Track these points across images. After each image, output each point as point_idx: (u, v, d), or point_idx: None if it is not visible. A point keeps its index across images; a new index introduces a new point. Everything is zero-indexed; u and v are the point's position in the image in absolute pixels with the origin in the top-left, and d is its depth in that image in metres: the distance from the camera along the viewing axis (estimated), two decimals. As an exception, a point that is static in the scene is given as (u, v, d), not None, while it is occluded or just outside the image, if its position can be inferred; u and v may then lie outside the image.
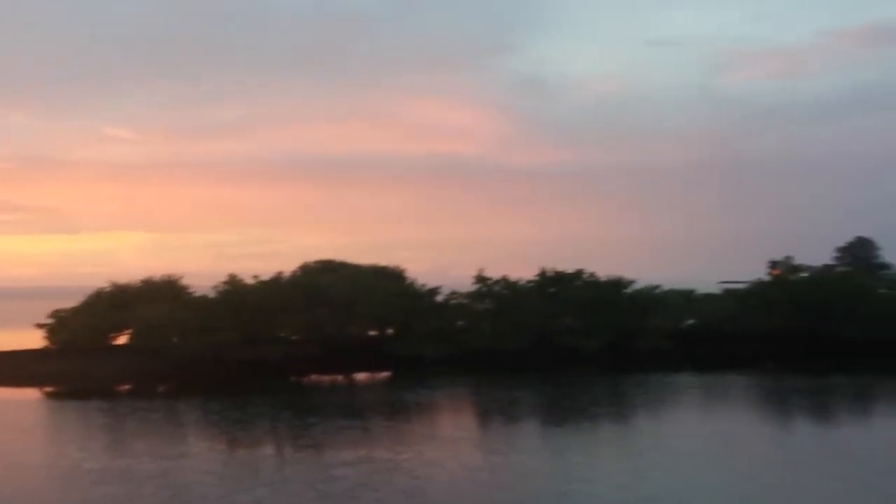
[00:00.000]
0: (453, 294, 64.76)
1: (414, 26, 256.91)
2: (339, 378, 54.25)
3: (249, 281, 59.72)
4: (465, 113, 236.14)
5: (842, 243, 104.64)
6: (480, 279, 65.05)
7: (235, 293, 58.34)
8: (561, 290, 65.97)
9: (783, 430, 37.91)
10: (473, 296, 64.79)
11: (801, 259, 74.91)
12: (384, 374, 55.72)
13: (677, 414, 41.08)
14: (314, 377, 53.74)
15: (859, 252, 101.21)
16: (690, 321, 66.90)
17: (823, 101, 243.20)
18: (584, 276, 66.70)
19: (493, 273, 65.28)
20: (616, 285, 66.18)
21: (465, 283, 65.18)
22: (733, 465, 29.56)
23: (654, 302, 65.75)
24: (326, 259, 66.60)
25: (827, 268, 79.54)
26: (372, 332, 61.19)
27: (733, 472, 28.62)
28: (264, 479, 27.06)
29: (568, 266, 67.19)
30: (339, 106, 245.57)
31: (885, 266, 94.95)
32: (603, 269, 67.38)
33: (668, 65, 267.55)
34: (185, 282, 60.72)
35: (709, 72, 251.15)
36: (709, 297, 68.70)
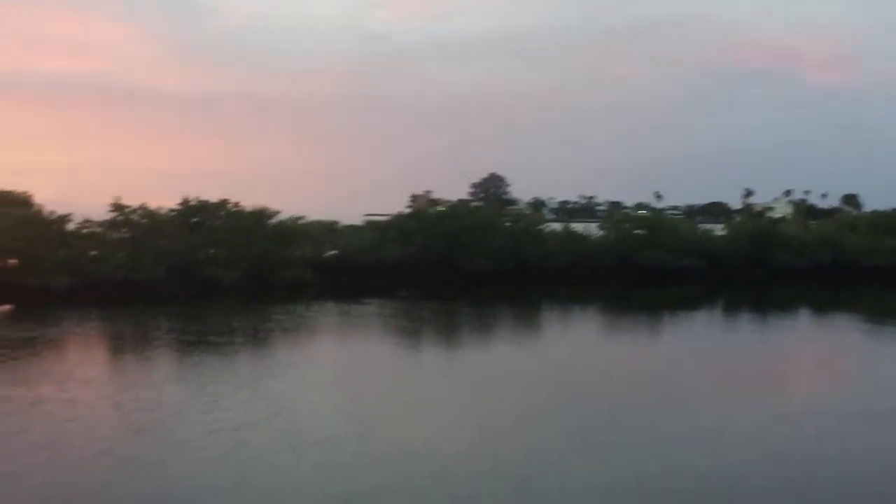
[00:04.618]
0: (86, 222, 60.95)
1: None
2: (-49, 312, 49.23)
3: None
4: (103, 29, 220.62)
5: (477, 179, 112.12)
6: (117, 207, 61.81)
7: None
8: (204, 220, 64.55)
9: (415, 352, 40.30)
10: (109, 224, 61.48)
11: (440, 193, 79.44)
12: (6, 307, 51.32)
13: (325, 341, 42.11)
14: (-82, 312, 48.33)
15: (491, 188, 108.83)
16: (333, 252, 68.27)
17: (461, 43, 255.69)
18: (228, 206, 65.65)
19: (134, 201, 62.40)
20: (260, 216, 65.82)
21: (102, 212, 61.69)
22: (371, 387, 30.94)
23: (298, 232, 66.30)
24: (-64, 182, 59.82)
25: (462, 202, 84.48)
26: (-8, 263, 56.02)
27: (371, 392, 29.92)
28: None
29: (213, 196, 65.90)
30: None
31: (512, 201, 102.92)
32: (249, 199, 66.95)
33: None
34: None
35: (359, 5, 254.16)
36: (351, 229, 70.48)
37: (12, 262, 55.97)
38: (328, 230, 68.81)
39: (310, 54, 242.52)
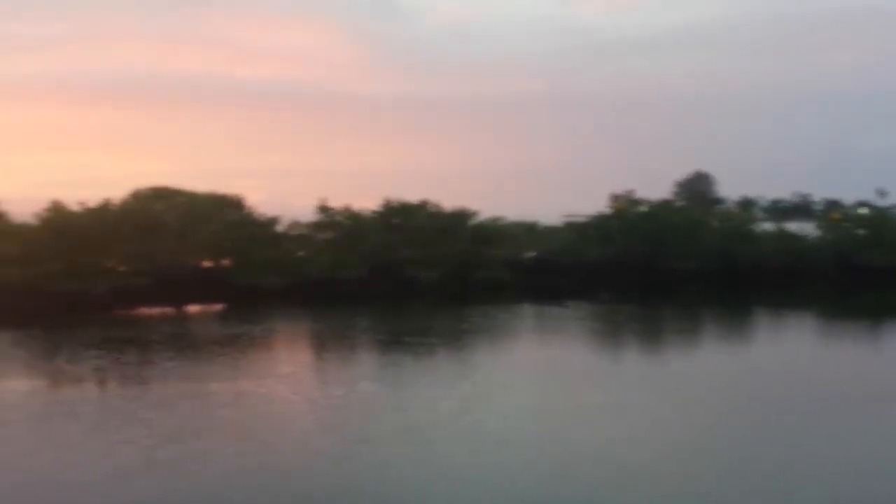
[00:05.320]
0: (294, 224, 63.37)
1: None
2: (171, 310, 52.20)
3: (75, 208, 56.40)
4: (308, 35, 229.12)
5: (681, 178, 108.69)
6: (322, 209, 63.91)
7: (59, 221, 54.94)
8: (405, 221, 65.56)
9: (612, 356, 39.00)
10: (315, 226, 63.64)
11: (642, 193, 77.10)
12: (219, 306, 54.01)
13: (518, 342, 41.64)
14: (144, 310, 51.50)
15: (697, 186, 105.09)
16: (531, 253, 67.70)
17: (666, 35, 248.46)
18: (429, 207, 66.46)
19: (336, 203, 64.38)
20: (459, 217, 66.24)
21: (308, 213, 63.96)
22: (561, 389, 30.04)
23: (497, 233, 66.17)
24: (160, 186, 63.74)
25: (665, 202, 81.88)
26: (207, 263, 59.14)
27: (561, 395, 29.03)
28: (92, 413, 25.75)
29: (413, 197, 66.90)
30: (174, 25, 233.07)
31: (720, 200, 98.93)
32: (449, 200, 67.43)
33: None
34: (2, 208, 56.83)
35: (558, 1, 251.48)
36: (550, 230, 69.67)
37: (225, 262, 58.88)
38: (527, 231, 68.35)
39: (510, 53, 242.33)
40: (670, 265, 64.89)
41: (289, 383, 30.16)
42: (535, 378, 32.71)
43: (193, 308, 52.97)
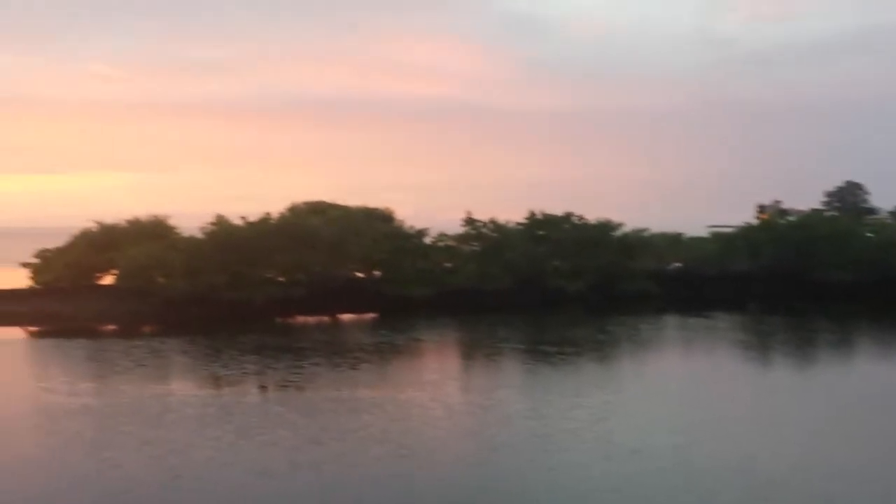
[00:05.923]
0: (441, 235, 65.10)
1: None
2: (325, 319, 54.79)
3: (237, 222, 59.90)
4: (455, 54, 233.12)
5: (831, 188, 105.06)
6: (469, 221, 65.37)
7: (223, 234, 58.54)
8: (549, 233, 66.27)
9: (759, 369, 38.73)
10: (462, 237, 65.14)
11: (789, 203, 75.44)
12: (370, 315, 56.27)
13: (660, 353, 41.88)
14: (300, 318, 54.30)
15: (848, 196, 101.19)
16: (677, 264, 67.28)
17: (815, 44, 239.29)
18: (573, 218, 66.93)
19: (482, 215, 65.72)
20: (604, 228, 66.45)
21: (454, 226, 65.55)
22: (701, 400, 30.34)
23: (642, 245, 66.07)
24: (315, 200, 66.67)
25: (815, 212, 79.54)
26: (359, 274, 61.64)
27: (700, 407, 29.39)
28: (243, 415, 27.67)
29: (557, 209, 67.56)
30: (327, 45, 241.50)
31: (872, 210, 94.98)
32: (592, 212, 67.76)
33: (664, 4, 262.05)
34: (172, 222, 61.05)
35: (705, 12, 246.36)
36: (695, 241, 69.04)
37: (376, 273, 61.19)
38: (672, 242, 67.91)
39: (656, 64, 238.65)
40: (821, 276, 63.21)
41: (429, 390, 31.53)
42: (675, 389, 33.05)
43: (346, 317, 55.43)
